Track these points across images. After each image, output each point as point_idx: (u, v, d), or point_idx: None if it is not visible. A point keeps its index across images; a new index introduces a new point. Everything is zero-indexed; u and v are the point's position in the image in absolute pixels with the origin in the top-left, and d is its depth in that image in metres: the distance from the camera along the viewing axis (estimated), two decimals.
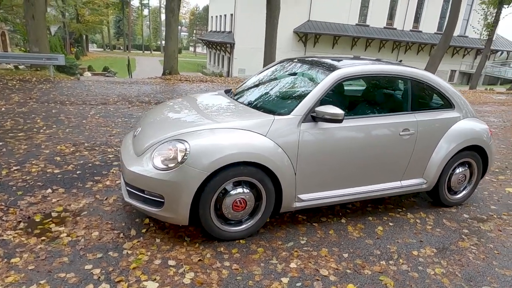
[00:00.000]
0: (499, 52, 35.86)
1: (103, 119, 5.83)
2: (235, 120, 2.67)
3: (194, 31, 67.60)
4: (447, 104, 3.39)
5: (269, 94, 3.17)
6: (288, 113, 2.71)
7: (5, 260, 2.27)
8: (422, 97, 3.34)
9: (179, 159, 2.41)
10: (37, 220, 2.76)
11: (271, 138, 2.60)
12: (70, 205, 3.01)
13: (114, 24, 58.12)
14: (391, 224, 3.15)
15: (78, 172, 3.65)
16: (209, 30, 39.07)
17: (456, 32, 29.38)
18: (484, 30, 17.88)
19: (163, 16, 63.88)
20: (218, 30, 34.28)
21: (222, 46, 31.42)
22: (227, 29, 30.90)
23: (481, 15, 18.08)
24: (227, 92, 3.68)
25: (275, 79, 3.44)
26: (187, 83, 11.15)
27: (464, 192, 3.63)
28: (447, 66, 31.50)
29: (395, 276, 2.44)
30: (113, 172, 3.73)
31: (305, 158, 2.72)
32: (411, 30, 31.66)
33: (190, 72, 29.76)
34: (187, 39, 72.84)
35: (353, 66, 2.99)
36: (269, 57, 13.70)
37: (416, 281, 2.40)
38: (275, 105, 2.92)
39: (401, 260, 2.62)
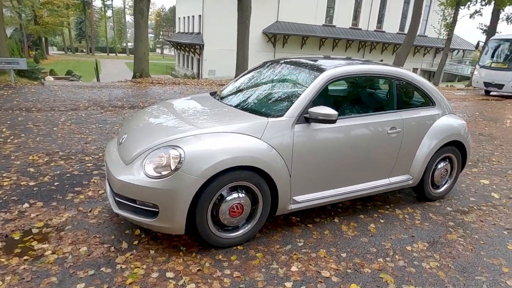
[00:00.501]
0: (456, 51, 37.92)
1: (75, 126, 5.54)
2: (228, 124, 2.60)
3: (161, 33, 66.26)
4: (429, 101, 3.50)
5: (259, 96, 3.13)
6: (281, 115, 2.69)
7: None
8: (406, 95, 3.43)
9: (174, 166, 2.31)
10: (16, 238, 2.55)
11: (265, 141, 2.56)
12: (51, 219, 2.82)
13: (76, 26, 55.69)
14: (382, 221, 3.21)
15: (56, 184, 3.42)
16: (176, 31, 38.41)
17: (418, 32, 30.86)
18: (444, 30, 18.84)
19: (127, 17, 62.16)
20: (186, 31, 33.77)
21: (191, 48, 31.01)
22: (196, 30, 30.51)
23: (441, 16, 19.04)
24: (213, 94, 3.60)
25: (263, 81, 3.41)
26: (160, 86, 10.87)
27: (446, 186, 3.77)
28: (409, 64, 32.85)
29: (394, 272, 2.48)
30: (94, 182, 3.54)
31: (300, 160, 2.70)
32: (375, 30, 32.78)
33: (159, 74, 29.16)
34: (154, 41, 71.25)
35: (341, 66, 3.01)
36: (241, 58, 13.65)
37: (414, 276, 2.45)
38: (267, 107, 2.88)
39: (397, 256, 2.67)
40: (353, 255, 2.64)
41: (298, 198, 2.81)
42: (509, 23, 18.32)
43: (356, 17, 32.19)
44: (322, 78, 2.84)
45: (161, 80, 12.05)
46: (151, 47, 74.41)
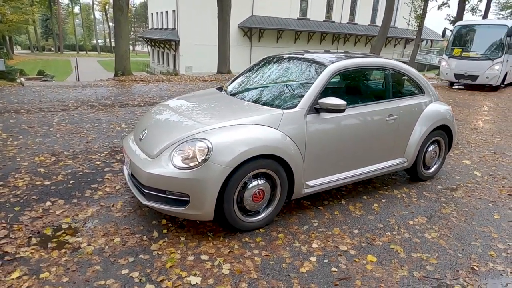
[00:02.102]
0: (424, 41, 39.43)
1: (71, 126, 5.53)
2: (248, 117, 2.79)
3: (132, 29, 64.57)
4: (419, 90, 3.83)
5: (269, 91, 3.32)
6: (294, 107, 2.91)
7: (34, 276, 2.19)
8: (400, 85, 3.74)
9: (203, 157, 2.49)
10: (48, 233, 2.65)
11: (282, 131, 2.78)
12: (77, 215, 2.92)
13: (41, 24, 53.34)
14: (383, 200, 3.52)
15: (71, 182, 3.50)
16: (150, 28, 37.67)
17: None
18: (415, 22, 19.64)
19: (96, 14, 60.16)
20: (160, 27, 33.21)
21: (166, 44, 30.57)
22: (170, 26, 30.11)
23: (411, 8, 19.83)
24: (220, 90, 3.77)
25: (268, 76, 3.60)
26: (144, 84, 10.81)
27: (435, 166, 4.13)
28: (381, 55, 33.91)
29: (402, 243, 2.78)
30: (108, 178, 3.64)
31: (312, 147, 2.94)
32: (348, 23, 33.53)
33: (134, 72, 28.48)
34: None
35: (344, 59, 3.27)
36: (223, 54, 13.77)
37: (420, 245, 2.76)
38: (279, 100, 3.08)
39: (402, 230, 2.97)
40: (364, 231, 2.92)
41: (311, 182, 3.05)
42: (474, 14, 19.36)
43: (329, 10, 32.78)
44: (328, 71, 3.08)
45: (144, 78, 11.97)
46: None
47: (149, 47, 38.95)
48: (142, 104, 7.61)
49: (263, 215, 2.85)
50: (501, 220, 3.24)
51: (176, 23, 28.23)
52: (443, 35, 14.27)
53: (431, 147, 3.98)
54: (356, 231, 2.91)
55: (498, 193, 3.84)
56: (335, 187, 3.34)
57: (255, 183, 2.72)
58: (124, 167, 3.29)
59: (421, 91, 3.85)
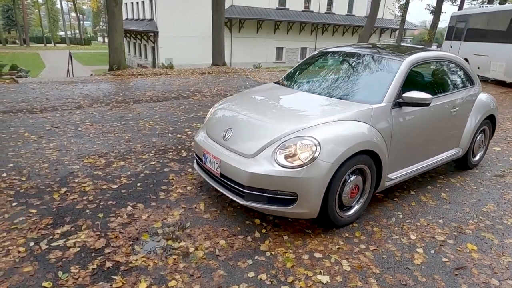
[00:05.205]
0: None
1: (98, 125, 5.28)
2: (341, 113, 2.79)
3: (102, 19, 61.80)
4: (471, 81, 3.96)
5: (348, 85, 3.30)
6: (380, 102, 2.93)
7: (163, 286, 2.11)
8: (458, 77, 3.84)
9: (310, 155, 2.47)
10: (147, 240, 2.55)
11: (373, 126, 2.80)
12: (166, 219, 2.83)
13: (3, 14, 49.91)
14: (447, 189, 3.64)
15: (138, 184, 3.37)
16: (124, 18, 36.18)
17: (364, 14, 32.65)
18: (398, 12, 20.14)
19: (64, 4, 57.07)
20: (136, 18, 32.04)
21: (144, 35, 29.61)
22: (148, 17, 29.10)
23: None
24: (278, 84, 3.72)
25: (338, 70, 3.59)
26: (143, 78, 10.44)
27: (480, 154, 4.32)
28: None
29: (489, 230, 2.90)
30: (173, 179, 3.52)
31: (395, 141, 2.99)
32: (325, 13, 33.80)
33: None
34: (95, 29, 66.29)
35: (418, 52, 3.32)
36: (217, 46, 13.53)
37: (506, 231, 2.90)
38: (363, 95, 3.08)
39: (481, 217, 3.10)
40: (448, 221, 3.02)
41: (391, 175, 3.11)
42: (453, 3, 20.07)
43: None
44: (406, 64, 3.12)
45: (142, 72, 11.56)
46: (89, 36, 69.26)
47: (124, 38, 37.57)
48: (156, 100, 7.37)
49: (354, 209, 2.88)
50: None
51: (154, 14, 27.34)
52: None
53: (479, 136, 4.15)
54: (441, 221, 3.00)
55: None
56: (408, 179, 3.41)
57: (352, 178, 2.74)
58: (197, 167, 3.21)
59: (472, 82, 3.98)
